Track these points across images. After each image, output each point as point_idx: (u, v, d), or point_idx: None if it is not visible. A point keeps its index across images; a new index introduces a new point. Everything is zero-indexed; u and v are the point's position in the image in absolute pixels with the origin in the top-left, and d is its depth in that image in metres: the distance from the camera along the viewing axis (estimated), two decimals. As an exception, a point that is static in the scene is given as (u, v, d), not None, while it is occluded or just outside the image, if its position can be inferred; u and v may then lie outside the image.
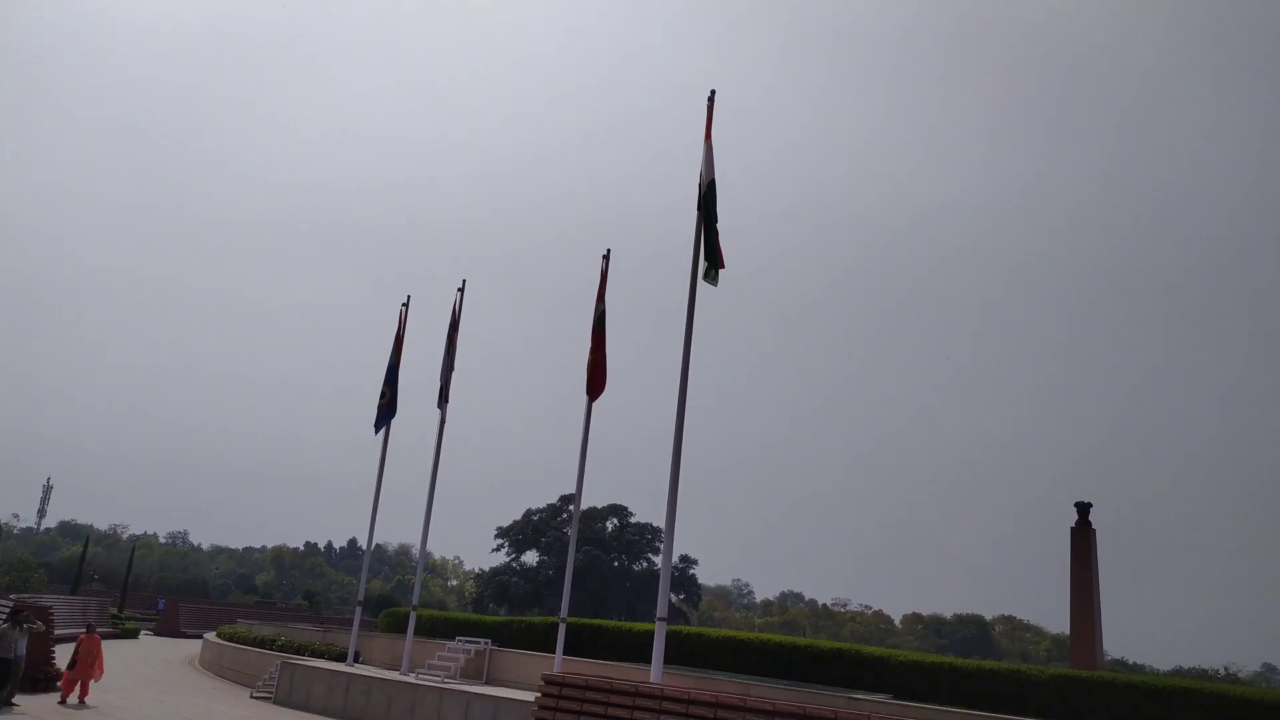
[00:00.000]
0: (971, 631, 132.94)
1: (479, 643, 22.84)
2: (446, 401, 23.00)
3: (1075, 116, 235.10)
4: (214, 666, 29.10)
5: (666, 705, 10.54)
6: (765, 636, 24.73)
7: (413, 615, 21.69)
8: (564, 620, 19.10)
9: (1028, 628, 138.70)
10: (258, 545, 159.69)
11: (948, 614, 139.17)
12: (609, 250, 20.67)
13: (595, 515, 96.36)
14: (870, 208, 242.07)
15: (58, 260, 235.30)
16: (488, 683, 21.85)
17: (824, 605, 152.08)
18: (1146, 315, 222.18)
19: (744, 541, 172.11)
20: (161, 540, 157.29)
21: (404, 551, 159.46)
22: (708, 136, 17.59)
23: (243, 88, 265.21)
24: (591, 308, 19.91)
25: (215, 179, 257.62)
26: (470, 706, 18.06)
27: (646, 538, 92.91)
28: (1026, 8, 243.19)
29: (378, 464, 23.91)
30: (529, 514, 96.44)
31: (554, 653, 24.10)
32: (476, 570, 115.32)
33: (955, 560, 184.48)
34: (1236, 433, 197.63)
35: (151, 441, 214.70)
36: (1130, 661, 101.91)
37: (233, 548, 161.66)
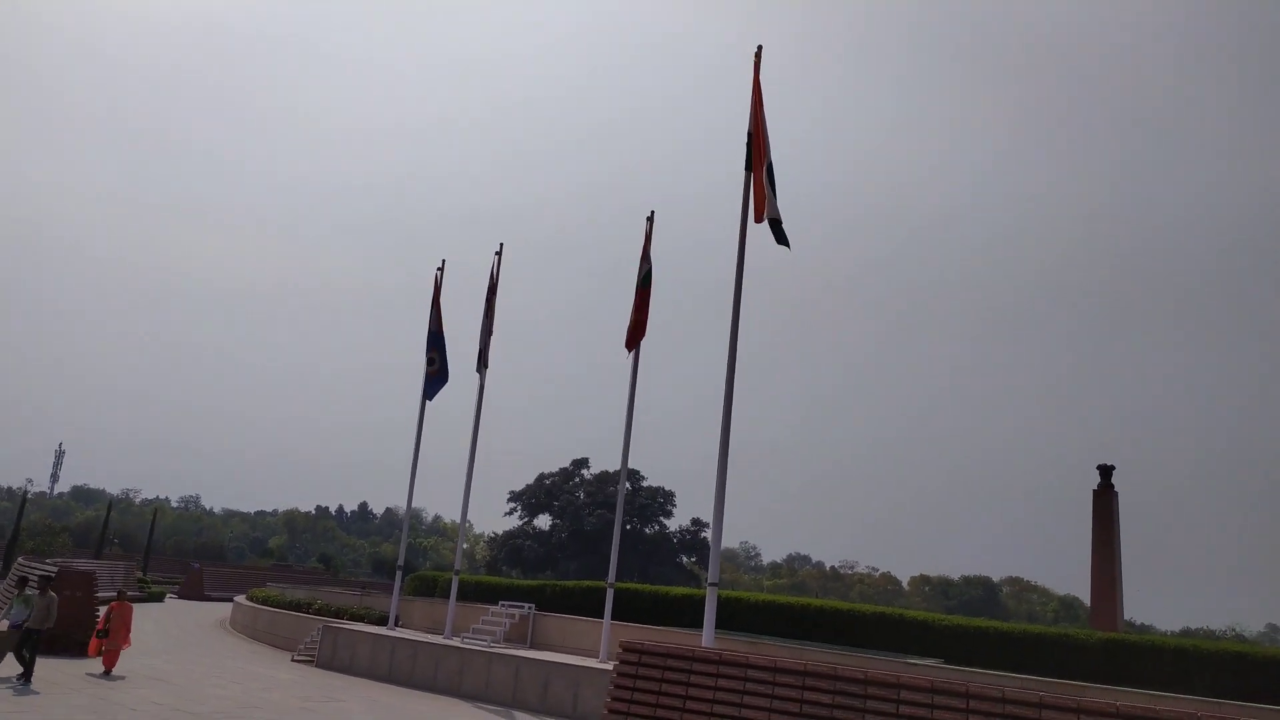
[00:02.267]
0: (979, 593, 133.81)
1: (523, 607, 22.83)
2: (486, 366, 22.76)
3: (1095, 119, 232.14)
4: (248, 630, 29.19)
5: (752, 674, 10.39)
6: (807, 601, 24.71)
7: (455, 580, 21.62)
8: (612, 585, 19.00)
9: (1034, 589, 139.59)
10: (269, 509, 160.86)
11: (954, 576, 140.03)
12: (652, 212, 20.32)
13: (608, 479, 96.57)
14: (893, 194, 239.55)
15: (67, 239, 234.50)
16: (532, 647, 21.86)
17: (832, 568, 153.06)
18: (1167, 302, 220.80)
19: (754, 506, 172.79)
20: (174, 505, 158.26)
21: (414, 515, 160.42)
22: (754, 93, 17.08)
23: (261, 75, 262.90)
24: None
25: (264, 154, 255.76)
26: (520, 670, 18.02)
27: (659, 501, 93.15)
28: (1041, 12, 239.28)
29: (415, 431, 23.71)
30: (541, 478, 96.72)
31: (593, 616, 24.19)
32: (488, 534, 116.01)
33: (961, 524, 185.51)
34: (1238, 405, 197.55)
35: (161, 406, 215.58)
36: (1137, 622, 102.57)
37: (245, 511, 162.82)
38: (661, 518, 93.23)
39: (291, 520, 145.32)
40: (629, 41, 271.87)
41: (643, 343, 19.73)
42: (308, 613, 26.31)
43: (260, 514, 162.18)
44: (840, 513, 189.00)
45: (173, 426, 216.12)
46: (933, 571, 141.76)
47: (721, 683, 10.51)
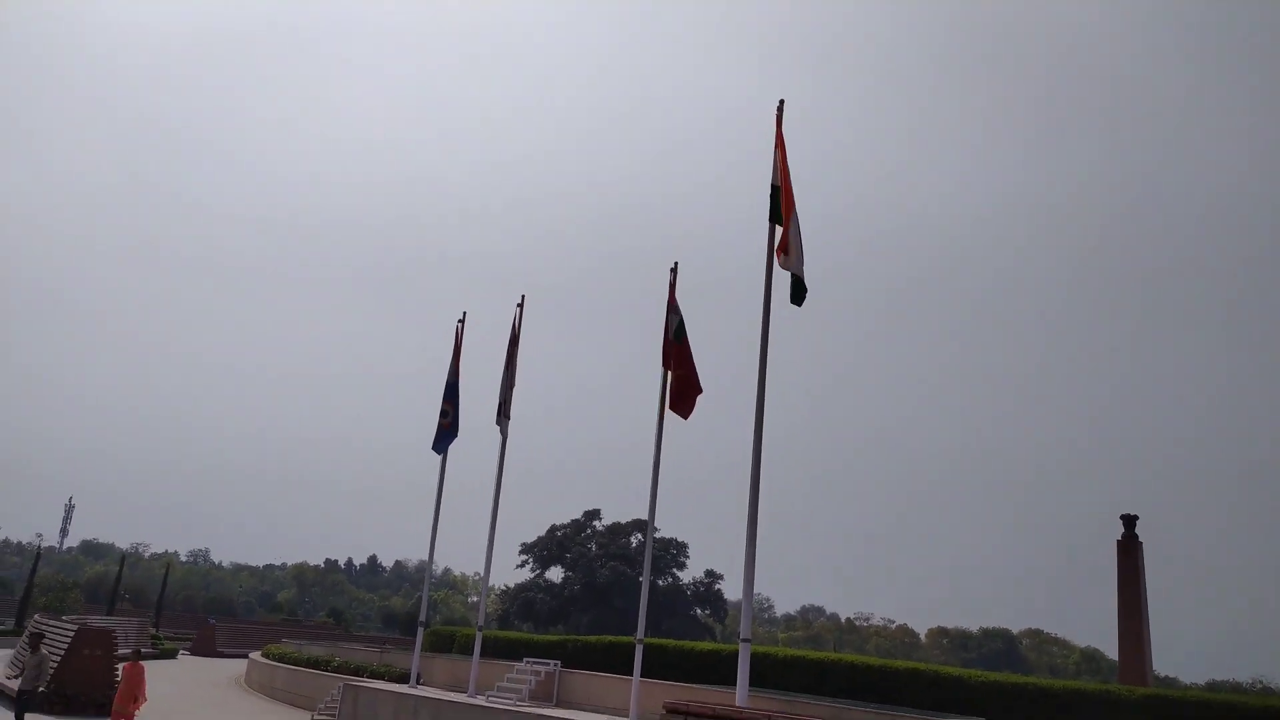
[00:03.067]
0: (998, 645, 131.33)
1: (548, 664, 22.39)
2: (508, 418, 22.62)
3: (1096, 120, 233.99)
4: (264, 688, 28.71)
5: (802, 735, 10.07)
6: (835, 656, 24.19)
7: (479, 636, 21.21)
8: (640, 641, 18.57)
9: (1055, 641, 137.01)
10: (278, 563, 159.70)
11: (971, 627, 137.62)
12: (676, 263, 20.30)
13: (620, 530, 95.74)
14: (861, 208, 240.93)
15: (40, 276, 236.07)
16: (558, 705, 21.38)
17: (847, 619, 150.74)
18: (1187, 324, 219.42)
19: (765, 556, 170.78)
20: (183, 559, 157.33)
21: (423, 568, 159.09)
22: (777, 145, 17.09)
23: (279, 95, 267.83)
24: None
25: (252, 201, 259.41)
26: (547, 731, 17.58)
27: (671, 553, 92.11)
28: (1020, 9, 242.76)
29: (436, 485, 23.50)
30: (553, 529, 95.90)
31: (619, 673, 23.69)
32: (499, 587, 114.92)
33: (977, 574, 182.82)
34: (1252, 437, 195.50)
35: (169, 460, 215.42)
36: (1160, 675, 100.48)
37: (253, 565, 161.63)
38: (674, 569, 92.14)
39: (300, 574, 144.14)
40: (641, 90, 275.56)
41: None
42: (326, 670, 25.89)
43: (269, 568, 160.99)
44: (853, 563, 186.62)
45: (181, 480, 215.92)
46: (949, 623, 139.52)
47: (770, 745, 10.19)
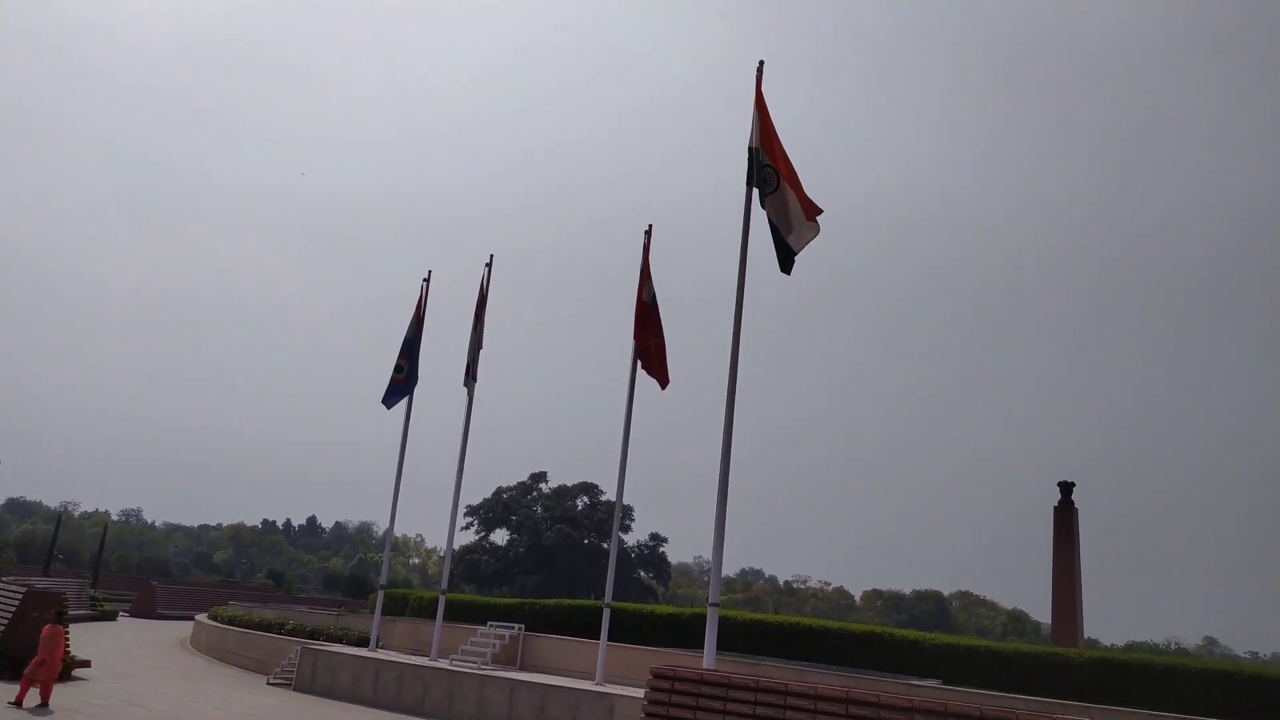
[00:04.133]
0: (930, 607, 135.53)
1: (512, 628, 22.35)
2: (474, 380, 22.34)
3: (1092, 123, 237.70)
4: (215, 651, 28.18)
5: (792, 701, 10.19)
6: (796, 620, 24.63)
7: (441, 599, 21.05)
8: (608, 605, 18.66)
9: (983, 603, 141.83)
10: (213, 523, 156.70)
11: (905, 590, 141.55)
12: (650, 226, 20.11)
13: (566, 493, 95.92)
14: (866, 207, 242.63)
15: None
16: (522, 669, 21.39)
17: (785, 582, 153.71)
18: (1140, 316, 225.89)
19: (702, 521, 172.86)
20: (114, 518, 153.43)
21: (365, 529, 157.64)
22: (757, 106, 16.83)
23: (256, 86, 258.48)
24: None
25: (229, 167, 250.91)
26: (514, 694, 17.59)
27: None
28: (1032, 10, 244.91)
29: (399, 444, 23.18)
30: (499, 491, 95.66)
31: (578, 636, 23.80)
32: (442, 549, 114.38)
33: (910, 538, 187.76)
34: (1193, 421, 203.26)
35: (100, 415, 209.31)
36: (1086, 637, 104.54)
37: (188, 525, 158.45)
38: (620, 533, 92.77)
39: (237, 535, 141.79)
40: (618, 55, 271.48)
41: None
42: (280, 633, 25.49)
43: (204, 528, 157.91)
44: (790, 527, 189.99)
45: (112, 436, 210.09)
46: (883, 586, 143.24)
47: (760, 710, 10.29)
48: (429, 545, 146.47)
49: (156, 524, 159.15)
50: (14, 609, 18.75)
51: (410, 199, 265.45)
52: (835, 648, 22.02)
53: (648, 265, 19.46)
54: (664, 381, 18.24)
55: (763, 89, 16.97)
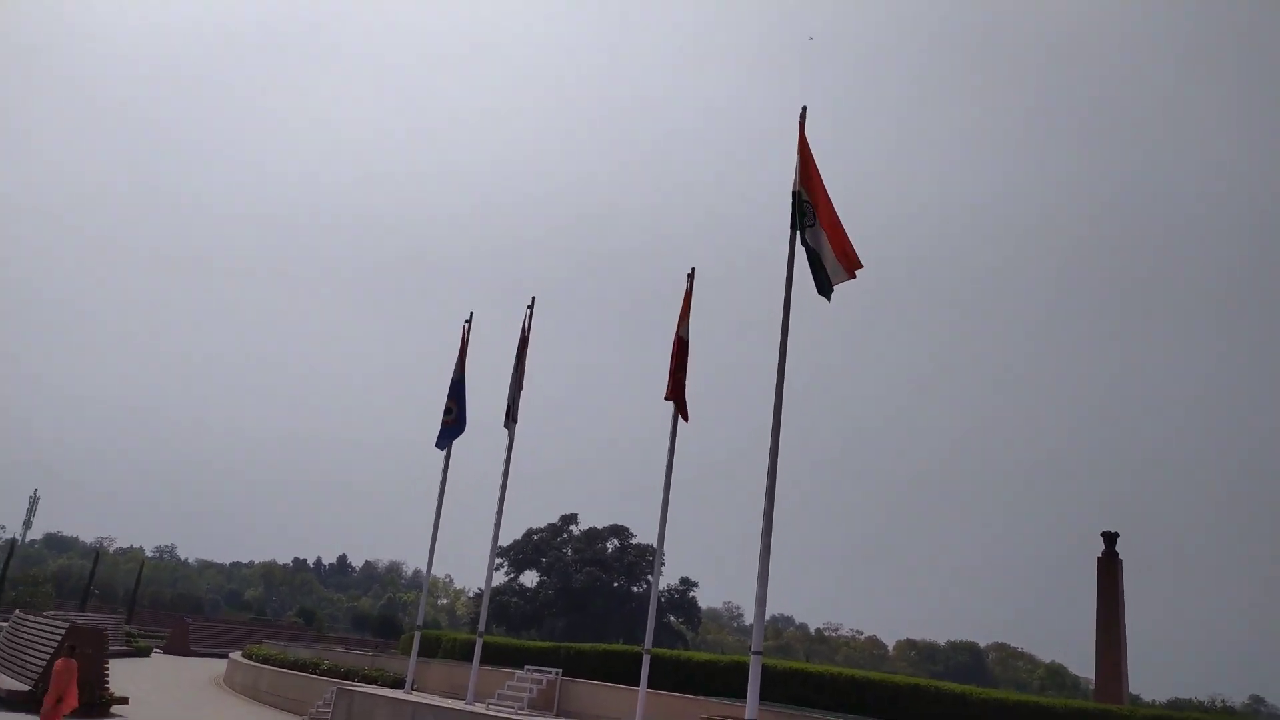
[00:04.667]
0: (965, 658, 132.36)
1: (550, 672, 22.08)
2: (514, 421, 22.37)
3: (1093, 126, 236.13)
4: (249, 690, 28.13)
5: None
6: (838, 670, 24.08)
7: (479, 642, 20.89)
8: (648, 651, 18.42)
9: (1020, 655, 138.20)
10: (245, 560, 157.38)
11: (938, 640, 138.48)
12: (693, 270, 20.18)
13: (596, 536, 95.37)
14: (873, 212, 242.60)
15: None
16: (558, 715, 21.08)
17: (816, 630, 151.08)
18: (1177, 328, 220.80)
19: (735, 565, 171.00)
20: (148, 554, 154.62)
21: (394, 569, 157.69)
22: (801, 151, 16.85)
23: (284, 95, 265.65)
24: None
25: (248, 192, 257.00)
26: (553, 741, 17.34)
27: (647, 559, 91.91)
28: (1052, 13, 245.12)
29: (439, 485, 23.22)
30: (530, 533, 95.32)
31: (613, 681, 23.41)
32: (471, 590, 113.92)
33: (943, 585, 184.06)
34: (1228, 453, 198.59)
35: (134, 454, 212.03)
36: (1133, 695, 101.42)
37: (220, 563, 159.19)
38: (649, 576, 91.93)
39: (269, 572, 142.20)
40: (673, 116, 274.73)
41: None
42: (315, 673, 25.39)
43: (236, 565, 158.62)
44: (823, 574, 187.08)
45: (148, 473, 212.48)
46: (916, 635, 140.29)
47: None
48: (457, 585, 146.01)
49: (190, 560, 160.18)
50: (56, 643, 18.86)
51: (445, 248, 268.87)
52: (878, 699, 21.47)
53: (688, 306, 19.53)
54: (686, 415, 18.41)
55: (805, 133, 17.08)
